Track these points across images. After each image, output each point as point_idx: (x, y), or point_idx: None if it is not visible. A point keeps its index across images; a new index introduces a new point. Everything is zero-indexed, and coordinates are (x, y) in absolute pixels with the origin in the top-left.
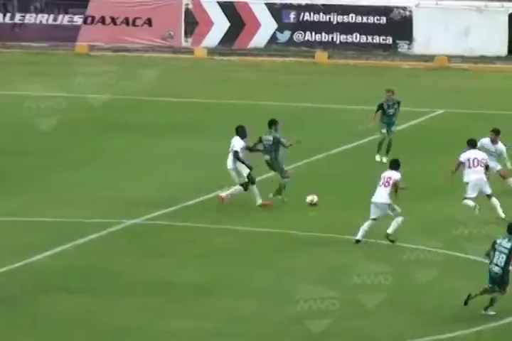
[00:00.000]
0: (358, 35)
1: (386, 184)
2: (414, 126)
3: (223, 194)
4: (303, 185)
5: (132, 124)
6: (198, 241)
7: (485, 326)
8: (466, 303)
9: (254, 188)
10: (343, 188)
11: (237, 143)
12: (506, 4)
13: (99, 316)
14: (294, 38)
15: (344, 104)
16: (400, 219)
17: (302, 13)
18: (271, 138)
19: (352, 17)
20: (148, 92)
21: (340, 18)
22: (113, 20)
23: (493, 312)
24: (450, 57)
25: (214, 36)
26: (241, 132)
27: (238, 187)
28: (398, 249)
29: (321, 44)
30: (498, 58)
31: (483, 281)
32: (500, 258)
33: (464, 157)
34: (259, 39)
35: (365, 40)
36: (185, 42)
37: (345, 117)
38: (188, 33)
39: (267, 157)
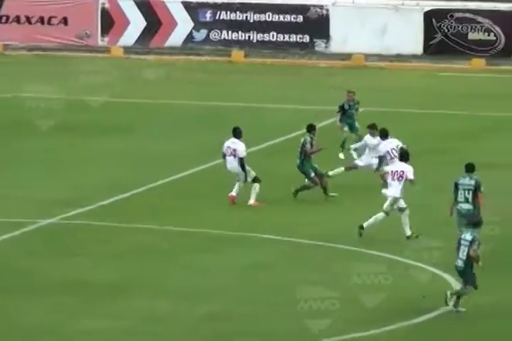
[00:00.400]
0: (275, 34)
1: (400, 178)
2: (331, 125)
3: (234, 193)
4: (221, 183)
5: (53, 125)
6: (114, 241)
7: (398, 325)
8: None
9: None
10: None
11: (241, 148)
12: (422, 3)
13: (12, 316)
14: (211, 37)
15: (261, 102)
16: (381, 215)
17: (218, 12)
18: (302, 140)
19: (269, 15)
20: (65, 92)
21: (256, 17)
22: (28, 19)
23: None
24: (367, 56)
25: (130, 35)
26: (239, 133)
27: (255, 185)
28: (311, 247)
29: (238, 43)
30: (414, 57)
31: (392, 279)
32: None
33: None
34: (176, 38)
35: (281, 39)
36: (101, 42)
37: (262, 116)
38: (105, 32)
39: (298, 161)
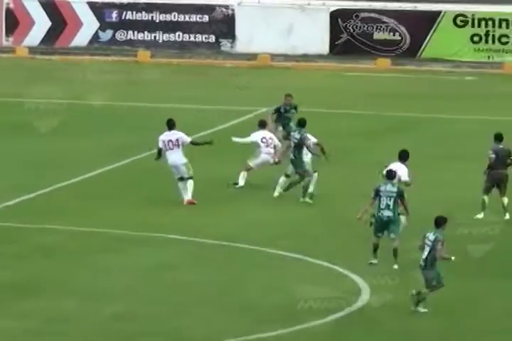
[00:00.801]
0: (181, 34)
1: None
2: (237, 124)
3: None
4: (127, 182)
5: None
6: (20, 241)
7: (304, 325)
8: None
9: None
10: (166, 186)
11: (183, 135)
12: (328, 3)
13: None
14: (117, 37)
15: (167, 103)
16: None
17: (124, 12)
18: (298, 136)
19: (174, 16)
20: None
21: (162, 17)
22: None
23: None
24: (273, 56)
25: (35, 35)
26: (174, 124)
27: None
28: (216, 247)
29: (144, 43)
30: (320, 56)
31: (295, 278)
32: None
33: None
34: (81, 38)
35: (187, 39)
36: (6, 42)
37: (168, 116)
38: (9, 32)
39: (291, 155)
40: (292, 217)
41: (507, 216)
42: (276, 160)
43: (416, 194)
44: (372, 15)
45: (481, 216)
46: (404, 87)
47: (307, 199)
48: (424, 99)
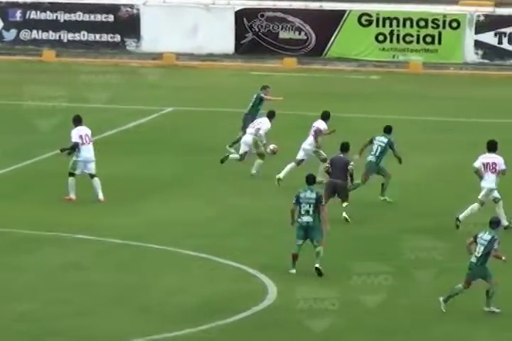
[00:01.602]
0: (86, 33)
1: (493, 170)
2: (144, 124)
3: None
4: (32, 182)
5: None
6: None
7: (213, 324)
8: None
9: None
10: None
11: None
12: (233, 2)
13: None
14: (21, 37)
15: (72, 102)
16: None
17: (28, 12)
18: (385, 140)
19: (79, 15)
20: None
21: (67, 16)
22: None
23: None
24: (178, 55)
25: None
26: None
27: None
28: (124, 247)
29: (49, 42)
30: (226, 56)
31: (203, 278)
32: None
33: None
34: None
35: (92, 39)
36: None
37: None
38: None
39: (372, 158)
40: (200, 216)
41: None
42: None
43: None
44: (278, 14)
45: None
46: (310, 87)
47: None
48: (330, 98)
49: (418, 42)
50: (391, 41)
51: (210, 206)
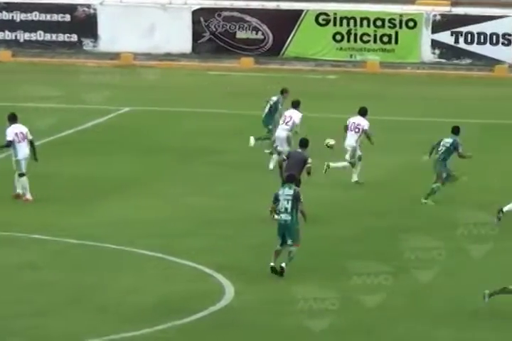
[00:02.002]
0: (42, 33)
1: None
2: (101, 124)
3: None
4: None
5: None
6: None
7: (169, 325)
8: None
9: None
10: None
11: (27, 130)
12: (190, 1)
13: None
14: None
15: (29, 102)
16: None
17: None
18: (451, 141)
19: (35, 15)
20: None
21: (23, 16)
22: None
23: None
24: (135, 55)
25: None
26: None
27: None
28: (79, 247)
29: (5, 42)
30: (183, 55)
31: (160, 278)
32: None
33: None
34: None
35: (49, 38)
36: None
37: (29, 115)
38: None
39: (437, 158)
40: (156, 216)
41: None
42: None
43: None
44: (235, 14)
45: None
46: (268, 86)
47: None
48: (287, 97)
49: (375, 41)
50: (348, 41)
51: (166, 206)
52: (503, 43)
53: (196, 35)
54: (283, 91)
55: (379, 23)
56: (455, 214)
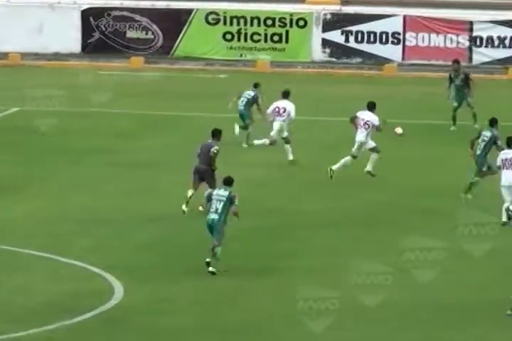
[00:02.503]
0: None
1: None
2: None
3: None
4: None
5: None
6: None
7: (58, 324)
8: None
9: None
10: None
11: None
12: (79, 1)
13: None
14: None
15: None
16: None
17: None
18: (489, 134)
19: None
20: None
21: None
22: None
23: None
24: (24, 55)
25: None
26: None
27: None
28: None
29: None
30: (73, 55)
31: (47, 278)
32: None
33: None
34: None
35: None
36: None
37: None
38: None
39: (478, 152)
40: (45, 216)
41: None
42: None
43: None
44: (125, 13)
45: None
46: (158, 86)
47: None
48: (178, 97)
49: (266, 41)
50: (238, 40)
51: (55, 206)
52: (392, 42)
53: (86, 35)
54: (257, 85)
55: (269, 22)
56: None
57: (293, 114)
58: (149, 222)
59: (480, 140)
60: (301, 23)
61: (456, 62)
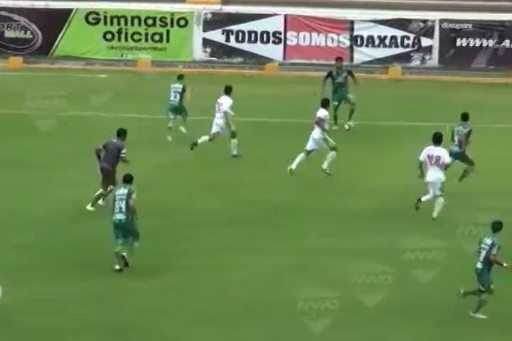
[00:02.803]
0: None
1: (437, 163)
2: None
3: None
4: None
5: None
6: None
7: None
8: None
9: None
10: None
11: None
12: None
13: None
14: None
15: None
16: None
17: None
18: (465, 130)
19: None
20: None
21: None
22: None
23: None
24: None
25: None
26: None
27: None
28: None
29: None
30: None
31: None
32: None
33: None
34: None
35: None
36: None
37: None
38: None
39: (456, 148)
40: None
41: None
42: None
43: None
44: (3, 13)
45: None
46: (37, 86)
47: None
48: (59, 97)
49: (146, 40)
50: (119, 40)
51: None
52: (273, 41)
53: None
54: (180, 77)
55: (150, 21)
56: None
57: (227, 108)
58: (28, 222)
59: (456, 136)
60: (182, 22)
61: (340, 59)
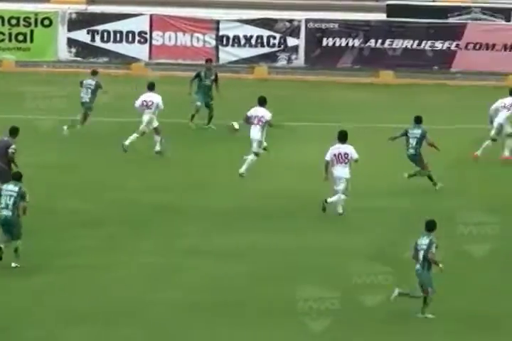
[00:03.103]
0: None
1: (346, 160)
2: None
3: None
4: None
5: None
6: None
7: None
8: None
9: None
10: None
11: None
12: None
13: None
14: None
15: None
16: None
17: None
18: (419, 132)
19: None
20: None
21: None
22: None
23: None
24: None
25: None
26: None
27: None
28: None
29: None
30: None
31: None
32: None
33: None
34: None
35: None
36: None
37: None
38: None
39: (412, 151)
40: None
41: None
42: None
43: None
44: None
45: None
46: None
47: None
48: None
49: (10, 40)
50: None
51: None
52: (139, 41)
53: None
54: (95, 73)
55: (14, 21)
56: None
57: (161, 103)
58: None
59: (411, 138)
60: (46, 22)
61: (209, 61)
